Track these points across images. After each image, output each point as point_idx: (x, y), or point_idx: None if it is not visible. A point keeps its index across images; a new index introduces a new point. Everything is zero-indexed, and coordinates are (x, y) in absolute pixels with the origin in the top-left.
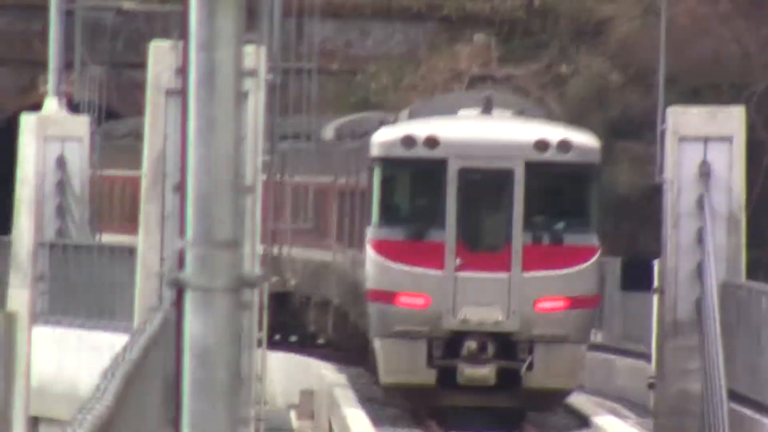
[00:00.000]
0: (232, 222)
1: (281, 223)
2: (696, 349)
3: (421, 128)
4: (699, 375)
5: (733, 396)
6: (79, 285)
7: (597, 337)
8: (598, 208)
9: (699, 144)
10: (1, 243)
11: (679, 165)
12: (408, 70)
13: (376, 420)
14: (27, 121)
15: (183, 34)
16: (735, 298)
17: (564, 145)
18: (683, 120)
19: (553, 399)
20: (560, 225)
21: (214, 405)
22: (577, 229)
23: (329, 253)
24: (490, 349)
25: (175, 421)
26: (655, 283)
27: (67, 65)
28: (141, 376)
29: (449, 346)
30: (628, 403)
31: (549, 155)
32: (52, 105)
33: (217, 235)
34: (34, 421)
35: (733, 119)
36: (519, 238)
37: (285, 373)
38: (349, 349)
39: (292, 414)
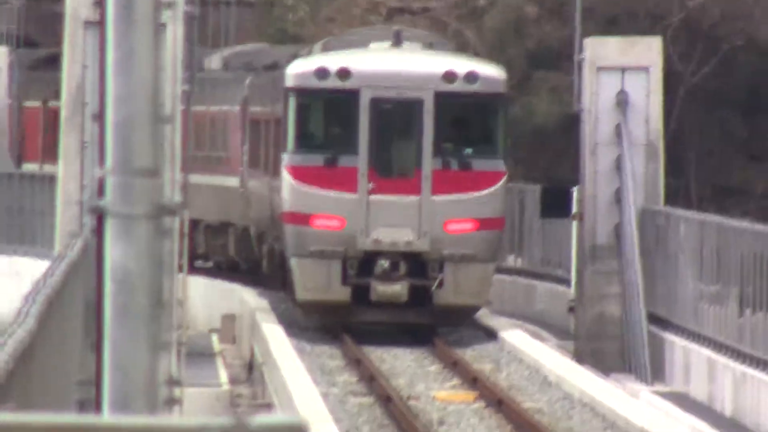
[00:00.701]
0: (152, 150)
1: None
2: (615, 274)
3: (333, 60)
4: (618, 299)
5: (652, 319)
6: (0, 212)
7: (517, 262)
8: (505, 135)
9: (616, 74)
10: None
11: (596, 94)
12: (326, 2)
13: (296, 342)
14: None
15: None
16: (653, 223)
17: (471, 76)
18: (601, 50)
19: (462, 315)
20: (468, 151)
21: (135, 330)
22: (484, 155)
23: (233, 178)
24: (402, 268)
25: (96, 346)
26: (574, 210)
27: None
28: (62, 301)
29: (363, 265)
30: (548, 326)
31: (457, 86)
32: None
33: (136, 162)
34: None
35: (650, 49)
36: (429, 163)
37: (207, 298)
38: (253, 270)
39: (214, 338)
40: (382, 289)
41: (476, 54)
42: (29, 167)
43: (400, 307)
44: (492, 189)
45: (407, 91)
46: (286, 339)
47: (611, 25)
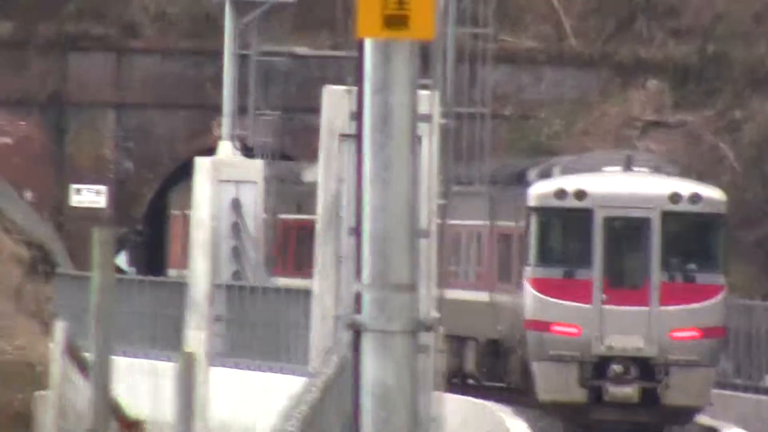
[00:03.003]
0: (409, 265)
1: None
2: None
3: (571, 182)
4: None
5: None
6: (256, 326)
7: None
8: (725, 251)
9: None
10: (177, 284)
11: None
12: (580, 115)
13: None
14: (202, 165)
15: (358, 78)
16: None
17: (695, 198)
18: None
19: (686, 415)
20: (692, 266)
21: None
22: (706, 270)
23: (489, 293)
24: (633, 371)
25: None
26: None
27: (240, 109)
28: (319, 419)
29: (597, 368)
30: None
31: (682, 206)
32: (226, 148)
33: (393, 277)
34: None
35: None
36: (657, 276)
37: (461, 416)
38: (506, 382)
39: None
40: (615, 391)
41: (733, 167)
42: (282, 281)
43: (631, 406)
44: (713, 301)
45: (637, 211)
46: None
47: None
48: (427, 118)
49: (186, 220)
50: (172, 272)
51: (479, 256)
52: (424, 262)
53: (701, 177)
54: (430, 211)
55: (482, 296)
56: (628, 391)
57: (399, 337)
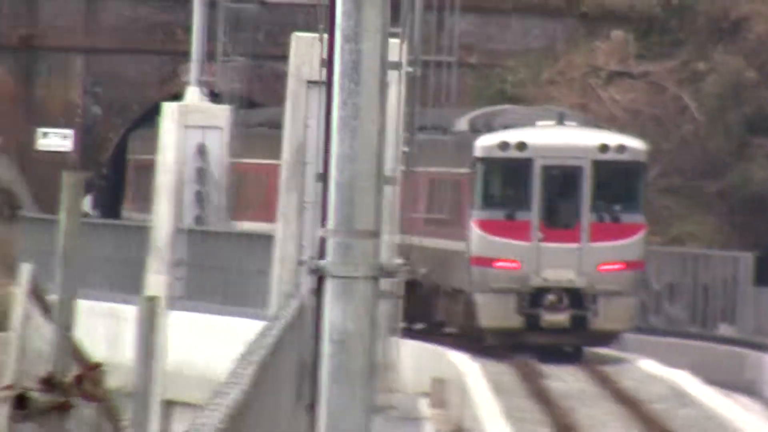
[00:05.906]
0: (374, 212)
1: (415, 213)
2: None
3: (512, 135)
4: None
5: None
6: (217, 271)
7: (728, 330)
8: (645, 194)
9: None
10: (140, 228)
11: None
12: (546, 64)
13: (505, 407)
14: (169, 110)
15: (329, 26)
16: None
17: (620, 148)
18: None
19: (612, 338)
20: (617, 207)
21: (351, 391)
22: (629, 211)
23: (461, 242)
24: (565, 300)
25: (313, 407)
26: None
27: (209, 55)
28: (276, 363)
29: (534, 298)
30: (759, 397)
31: (609, 155)
32: (193, 94)
33: (358, 224)
34: (168, 405)
35: None
36: (586, 217)
37: (416, 361)
38: (458, 327)
39: (424, 402)
40: (550, 318)
41: (695, 118)
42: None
43: (563, 331)
44: (635, 238)
45: (570, 160)
46: (495, 404)
47: None
48: (396, 66)
49: (144, 164)
50: (126, 214)
51: (441, 203)
52: (388, 209)
53: (664, 127)
54: (395, 159)
55: (439, 243)
56: (561, 318)
57: (361, 282)
